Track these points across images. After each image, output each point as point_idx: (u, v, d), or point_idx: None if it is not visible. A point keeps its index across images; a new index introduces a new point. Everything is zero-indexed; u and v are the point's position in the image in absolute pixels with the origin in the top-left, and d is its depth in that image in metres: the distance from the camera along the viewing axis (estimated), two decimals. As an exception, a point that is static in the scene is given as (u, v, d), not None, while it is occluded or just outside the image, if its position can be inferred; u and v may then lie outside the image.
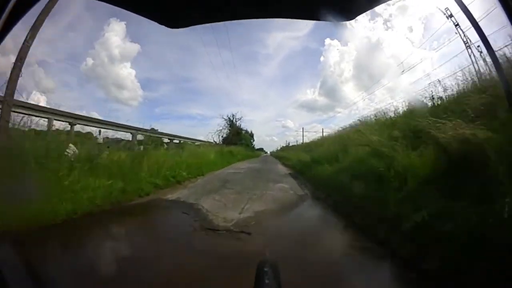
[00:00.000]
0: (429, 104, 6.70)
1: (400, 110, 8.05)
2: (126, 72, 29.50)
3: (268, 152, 43.72)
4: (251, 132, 36.64)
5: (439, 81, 6.58)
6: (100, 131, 14.83)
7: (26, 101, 11.94)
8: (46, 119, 11.73)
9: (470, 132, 3.89)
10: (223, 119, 31.39)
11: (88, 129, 16.04)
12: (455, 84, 6.06)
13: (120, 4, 1.61)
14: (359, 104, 23.02)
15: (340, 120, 32.53)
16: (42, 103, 17.03)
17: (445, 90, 6.28)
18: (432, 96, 6.62)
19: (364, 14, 1.86)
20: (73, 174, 5.61)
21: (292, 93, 44.63)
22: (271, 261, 1.00)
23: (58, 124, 14.16)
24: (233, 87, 42.25)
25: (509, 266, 1.93)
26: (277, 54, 40.14)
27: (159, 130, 24.49)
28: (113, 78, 29.48)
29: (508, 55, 4.13)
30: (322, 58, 33.97)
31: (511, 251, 1.99)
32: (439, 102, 6.48)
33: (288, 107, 45.14)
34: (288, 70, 43.60)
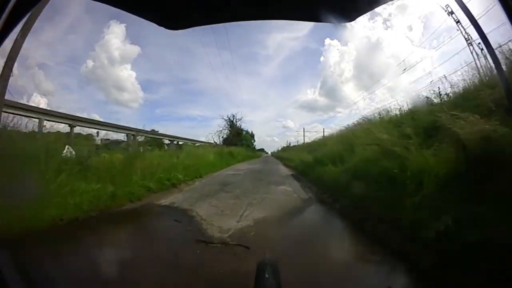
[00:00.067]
0: (436, 101, 6.37)
1: (405, 108, 7.66)
2: (127, 74, 29.36)
3: (269, 153, 43.50)
4: (252, 132, 36.18)
5: (445, 77, 6.28)
6: (98, 133, 14.42)
7: (17, 101, 11.51)
8: (38, 120, 11.26)
9: (491, 128, 3.44)
10: (223, 120, 30.92)
11: (89, 131, 15.81)
12: (461, 80, 5.77)
13: (120, 5, 1.55)
14: (360, 104, 22.75)
15: (340, 120, 32.28)
16: (43, 105, 16.83)
17: (451, 86, 5.99)
18: (439, 92, 6.30)
19: (364, 14, 1.80)
20: (61, 177, 5.22)
21: (292, 93, 44.37)
22: (271, 261, 1.00)
23: (59, 126, 14.11)
24: (233, 87, 41.98)
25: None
26: (277, 54, 39.86)
27: (159, 132, 24.42)
28: (114, 80, 29.35)
29: (508, 53, 4.04)
30: (322, 58, 33.82)
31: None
32: (445, 99, 6.14)
33: (288, 107, 44.65)
34: (288, 71, 43.26)
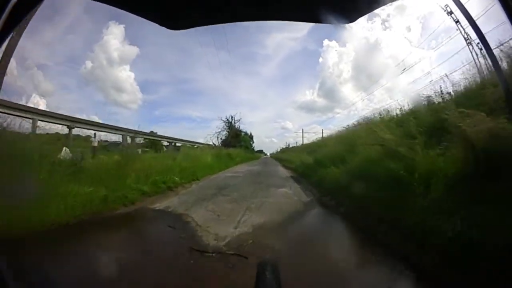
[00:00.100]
0: (437, 100, 6.24)
1: (406, 108, 7.57)
2: (125, 75, 29.27)
3: (268, 154, 43.33)
4: (251, 133, 35.90)
5: (446, 75, 6.11)
6: (95, 134, 14.18)
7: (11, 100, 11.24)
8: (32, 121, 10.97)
9: (500, 126, 3.34)
10: (222, 121, 30.67)
11: (88, 133, 15.62)
12: (463, 79, 5.66)
13: (120, 5, 1.53)
14: (358, 105, 22.77)
15: (339, 121, 32.23)
16: (42, 106, 16.68)
17: (453, 85, 5.84)
18: (441, 91, 6.12)
19: (367, 14, 1.76)
20: (53, 180, 5.08)
21: (291, 94, 44.16)
22: (272, 261, 0.99)
23: (57, 128, 13.86)
24: (232, 88, 41.62)
25: None
26: (275, 55, 39.68)
27: (158, 133, 24.25)
28: (112, 81, 29.27)
29: (507, 53, 3.98)
30: (320, 59, 33.90)
31: None
32: (447, 98, 5.96)
33: (287, 108, 44.48)
34: (287, 71, 43.05)
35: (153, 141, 23.45)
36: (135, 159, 7.87)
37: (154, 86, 39.89)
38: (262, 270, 0.93)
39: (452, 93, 5.88)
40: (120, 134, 18.94)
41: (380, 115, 9.16)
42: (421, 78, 11.57)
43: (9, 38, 1.03)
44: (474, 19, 2.07)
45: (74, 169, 6.16)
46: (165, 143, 24.52)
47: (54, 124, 14.07)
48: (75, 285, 2.44)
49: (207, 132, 30.84)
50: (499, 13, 1.02)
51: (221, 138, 29.67)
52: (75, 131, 15.61)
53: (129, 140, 11.29)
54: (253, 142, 37.29)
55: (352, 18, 1.66)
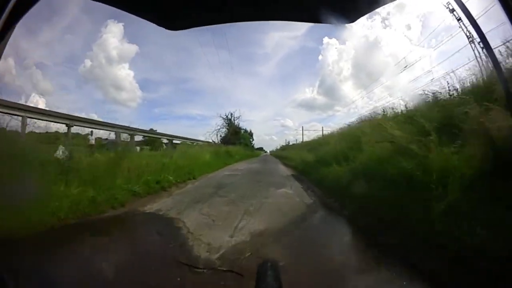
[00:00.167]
0: (444, 96, 5.77)
1: (411, 105, 7.07)
2: (125, 73, 29.04)
3: (268, 152, 43.21)
4: (250, 131, 35.49)
5: (453, 71, 5.71)
6: (91, 132, 13.77)
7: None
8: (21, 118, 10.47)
9: None
10: (221, 118, 30.21)
11: (88, 131, 15.47)
12: (470, 75, 5.29)
13: (118, 4, 1.49)
14: (358, 103, 22.60)
15: (339, 118, 32.10)
16: (41, 105, 16.51)
17: (459, 81, 5.46)
18: (448, 87, 5.67)
19: (367, 14, 1.73)
20: (40, 181, 4.87)
21: (291, 92, 44.03)
22: (272, 262, 1.02)
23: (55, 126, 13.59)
24: (232, 87, 41.30)
25: None
26: (275, 53, 39.42)
27: (157, 131, 23.96)
28: (112, 80, 29.03)
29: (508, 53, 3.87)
30: (320, 57, 33.79)
31: None
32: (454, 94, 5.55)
33: (287, 106, 44.22)
34: (287, 70, 42.74)
35: (152, 139, 23.18)
36: (128, 157, 7.42)
37: (154, 85, 39.67)
38: (262, 271, 0.92)
39: (459, 89, 5.48)
40: (121, 132, 18.69)
41: (384, 112, 8.67)
42: (421, 77, 11.42)
43: (8, 37, 0.98)
44: (475, 18, 2.02)
45: (62, 169, 5.75)
46: (165, 141, 24.28)
47: (54, 123, 14.01)
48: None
49: (207, 130, 30.46)
50: (499, 13, 1.02)
51: (220, 136, 29.31)
52: (75, 129, 15.49)
53: (123, 137, 10.78)
54: (253, 140, 37.00)
55: (352, 18, 1.62)
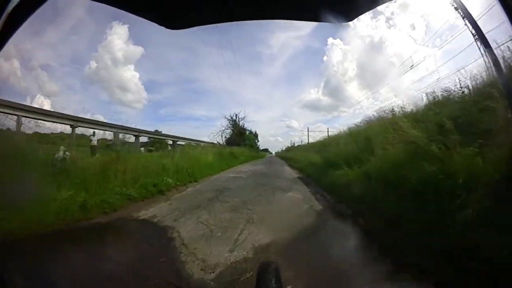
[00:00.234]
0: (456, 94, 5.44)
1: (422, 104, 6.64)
2: (130, 74, 29.26)
3: (273, 153, 43.03)
4: (256, 132, 35.10)
5: (463, 68, 5.36)
6: (94, 133, 13.47)
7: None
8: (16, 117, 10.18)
9: None
10: (226, 119, 29.88)
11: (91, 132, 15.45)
12: (479, 72, 4.88)
13: (118, 4, 1.50)
14: (363, 104, 22.39)
15: (344, 119, 31.69)
16: (47, 106, 16.60)
17: (471, 78, 5.06)
18: (460, 85, 5.30)
19: (366, 13, 1.70)
20: (32, 183, 4.43)
21: (296, 93, 43.93)
22: (273, 262, 1.01)
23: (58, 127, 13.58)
24: (237, 87, 41.14)
25: None
26: (280, 54, 39.30)
27: (163, 132, 23.85)
28: (117, 81, 29.29)
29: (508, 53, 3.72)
30: (325, 58, 33.95)
31: None
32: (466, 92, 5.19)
33: (292, 107, 43.96)
34: (292, 70, 42.56)
35: (157, 140, 23.04)
36: (126, 158, 7.00)
37: (159, 86, 39.90)
38: (263, 271, 0.93)
39: (470, 86, 5.11)
40: (119, 133, 18.53)
41: (393, 111, 8.07)
42: (426, 77, 11.03)
43: (10, 39, 0.94)
44: (475, 19, 2.23)
45: (55, 171, 5.44)
46: (170, 142, 24.15)
47: (61, 125, 13.93)
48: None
49: (212, 131, 30.21)
50: (499, 13, 1.01)
51: (225, 137, 28.99)
52: (81, 130, 15.57)
53: (126, 138, 10.40)
54: (258, 141, 36.69)
55: (350, 17, 1.62)
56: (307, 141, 30.00)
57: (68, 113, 15.22)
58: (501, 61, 3.55)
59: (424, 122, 5.05)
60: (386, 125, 7.20)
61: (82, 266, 2.83)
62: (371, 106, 21.56)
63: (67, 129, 14.92)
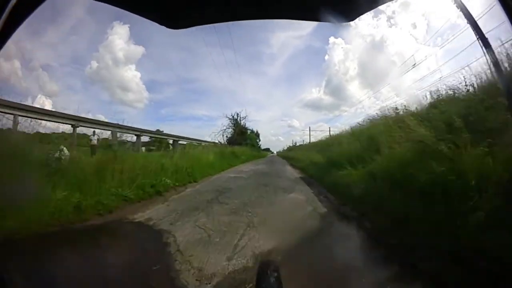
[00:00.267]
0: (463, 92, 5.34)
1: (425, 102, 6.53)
2: (131, 74, 29.19)
3: (275, 152, 42.89)
4: (257, 131, 34.86)
5: (468, 66, 5.20)
6: (94, 132, 13.30)
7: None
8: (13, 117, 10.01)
9: None
10: (227, 118, 29.64)
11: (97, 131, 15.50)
12: (483, 70, 4.74)
13: (119, 4, 1.47)
14: (365, 103, 22.30)
15: (346, 119, 31.69)
16: (48, 106, 16.63)
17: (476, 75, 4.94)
18: (466, 82, 5.20)
19: (367, 12, 1.69)
20: (27, 183, 4.24)
21: (297, 92, 43.88)
22: (273, 261, 1.08)
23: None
24: (238, 87, 40.92)
25: None
26: (281, 53, 39.20)
27: (164, 132, 23.75)
28: (118, 81, 29.24)
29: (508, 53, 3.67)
30: (326, 57, 33.85)
31: None
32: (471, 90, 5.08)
33: (293, 106, 43.86)
34: (293, 69, 42.45)
35: (159, 140, 22.93)
36: (123, 158, 6.80)
37: (160, 85, 39.87)
38: (262, 271, 0.93)
39: (475, 85, 4.97)
40: (127, 133, 18.57)
41: (397, 110, 7.92)
42: (428, 76, 10.70)
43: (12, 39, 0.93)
44: (476, 18, 2.14)
45: (49, 171, 5.27)
46: (172, 142, 24.06)
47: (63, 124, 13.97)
48: None
49: (213, 130, 30.04)
50: (499, 13, 1.01)
51: (226, 136, 28.77)
52: (84, 130, 15.42)
53: (121, 136, 10.19)
54: (260, 140, 36.46)
55: (352, 17, 1.62)
56: (308, 141, 29.80)
57: (69, 113, 15.28)
58: (501, 61, 3.51)
59: (430, 121, 4.86)
60: (392, 124, 7.02)
61: (67, 272, 2.63)
62: (372, 105, 21.57)
63: (69, 129, 15.01)
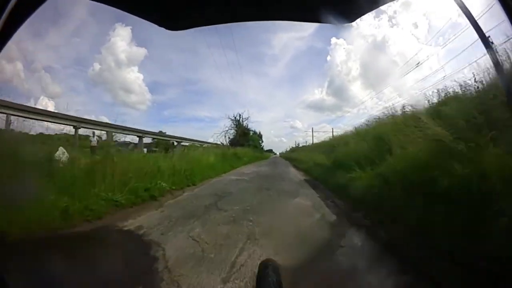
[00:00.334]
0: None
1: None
2: (134, 76, 29.10)
3: (277, 154, 42.58)
4: (260, 133, 34.46)
5: (475, 62, 4.93)
6: (93, 133, 12.98)
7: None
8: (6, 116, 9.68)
9: None
10: (229, 119, 29.28)
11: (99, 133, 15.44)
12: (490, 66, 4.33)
13: (119, 5, 1.44)
14: (367, 103, 22.09)
15: (348, 119, 31.36)
16: (50, 108, 16.61)
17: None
18: (475, 79, 4.84)
19: (368, 13, 1.66)
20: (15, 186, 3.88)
21: (300, 93, 43.82)
22: (273, 262, 1.01)
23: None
24: (240, 88, 40.91)
25: None
26: (283, 54, 39.07)
27: (167, 133, 23.59)
28: (121, 83, 29.20)
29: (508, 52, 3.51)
30: (328, 58, 33.85)
31: None
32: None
33: (296, 107, 43.68)
34: (295, 70, 42.30)
35: (161, 141, 22.76)
36: (116, 160, 6.37)
37: (163, 87, 39.91)
38: (263, 271, 0.93)
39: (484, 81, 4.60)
40: (130, 135, 18.48)
41: (404, 108, 7.49)
42: (430, 76, 10.85)
43: (14, 41, 0.91)
44: (476, 18, 1.84)
45: (42, 172, 4.99)
46: (175, 143, 23.93)
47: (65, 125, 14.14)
48: None
49: (215, 132, 29.75)
50: (499, 13, 1.00)
51: (229, 137, 28.42)
52: (87, 131, 15.40)
53: (118, 137, 9.81)
54: (262, 141, 36.09)
55: (352, 18, 1.59)
56: (311, 142, 29.45)
57: (71, 114, 15.25)
58: (501, 60, 3.29)
59: (444, 118, 4.45)
60: (404, 122, 6.60)
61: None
62: (375, 106, 21.63)
63: (73, 130, 14.91)
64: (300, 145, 34.56)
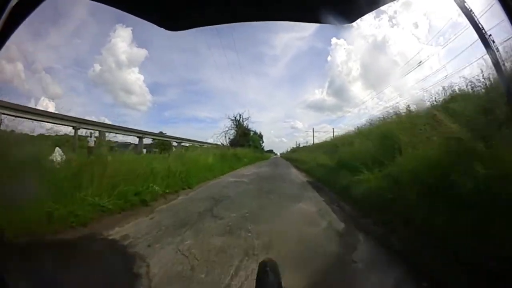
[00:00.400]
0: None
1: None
2: (134, 77, 28.90)
3: (278, 154, 42.38)
4: (260, 133, 34.09)
5: (482, 57, 4.63)
6: (91, 134, 12.61)
7: None
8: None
9: None
10: (230, 119, 28.91)
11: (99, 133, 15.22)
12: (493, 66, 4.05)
13: (119, 5, 1.46)
14: (368, 104, 21.99)
15: (349, 120, 31.17)
16: (51, 108, 16.45)
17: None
18: (483, 76, 4.66)
19: (369, 13, 1.66)
20: None
21: (300, 94, 43.72)
22: (272, 262, 1.00)
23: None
24: (240, 88, 40.59)
25: None
26: (284, 54, 38.92)
27: (167, 134, 23.38)
28: (121, 84, 29.00)
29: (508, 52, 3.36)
30: (329, 58, 33.82)
31: None
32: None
33: (296, 107, 43.54)
34: (295, 70, 42.14)
35: (161, 142, 22.55)
36: (105, 161, 5.95)
37: (163, 88, 39.74)
38: (262, 271, 0.91)
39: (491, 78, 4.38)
40: (130, 135, 18.25)
41: (408, 107, 7.35)
42: (431, 76, 10.87)
43: (15, 42, 0.91)
44: (476, 17, 1.99)
45: (34, 173, 4.56)
46: (175, 144, 23.73)
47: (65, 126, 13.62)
48: None
49: (215, 132, 29.42)
50: (499, 12, 1.00)
51: (229, 138, 28.06)
52: (86, 132, 15.22)
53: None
54: (263, 142, 35.76)
55: (351, 19, 1.60)
56: (312, 142, 29.17)
57: (71, 115, 14.89)
58: (501, 59, 3.04)
59: (457, 116, 4.06)
60: (411, 121, 6.26)
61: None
62: (375, 106, 21.67)
63: (72, 131, 14.67)
64: (301, 146, 34.30)
